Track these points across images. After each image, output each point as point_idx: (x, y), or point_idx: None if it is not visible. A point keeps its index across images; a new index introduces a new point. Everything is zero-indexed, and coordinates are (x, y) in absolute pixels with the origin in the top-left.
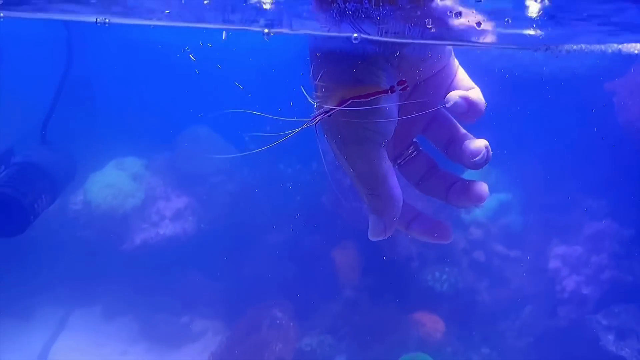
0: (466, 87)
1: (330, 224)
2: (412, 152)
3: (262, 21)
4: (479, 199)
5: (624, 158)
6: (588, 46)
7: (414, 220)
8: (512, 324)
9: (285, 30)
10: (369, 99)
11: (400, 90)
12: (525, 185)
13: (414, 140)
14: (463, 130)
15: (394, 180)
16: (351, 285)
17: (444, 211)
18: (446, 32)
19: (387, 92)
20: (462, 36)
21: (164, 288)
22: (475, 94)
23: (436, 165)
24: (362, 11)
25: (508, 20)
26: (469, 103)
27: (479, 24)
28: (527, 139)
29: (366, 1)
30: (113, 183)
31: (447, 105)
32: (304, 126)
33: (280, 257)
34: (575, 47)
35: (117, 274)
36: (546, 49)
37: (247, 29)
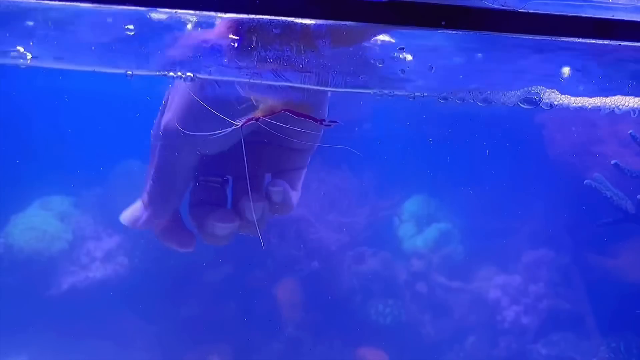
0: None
1: (271, 259)
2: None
3: (178, 68)
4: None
5: (557, 189)
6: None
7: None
8: (456, 355)
9: (204, 76)
10: (299, 117)
11: (326, 126)
12: (465, 214)
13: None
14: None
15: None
16: (294, 323)
17: (386, 244)
18: (370, 80)
19: (317, 121)
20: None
21: (95, 334)
22: (295, 198)
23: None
24: (283, 59)
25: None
26: (285, 201)
27: (402, 70)
28: (466, 170)
29: (287, 49)
30: (37, 225)
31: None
32: (232, 128)
33: (219, 296)
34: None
35: (43, 321)
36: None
37: (164, 74)
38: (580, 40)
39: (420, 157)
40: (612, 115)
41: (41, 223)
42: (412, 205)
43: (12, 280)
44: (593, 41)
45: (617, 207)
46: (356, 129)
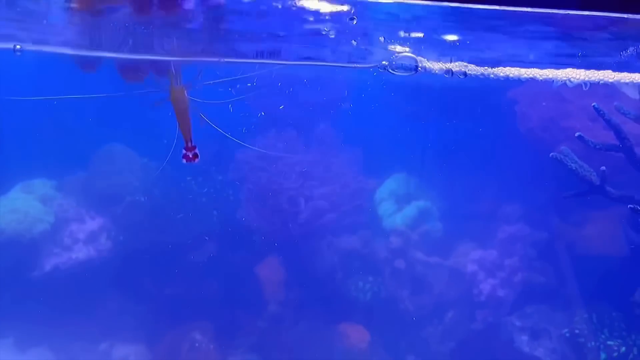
0: None
1: (253, 238)
2: None
3: None
4: None
5: (529, 164)
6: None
7: None
8: (435, 329)
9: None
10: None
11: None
12: (443, 192)
13: None
14: None
15: None
16: (276, 301)
17: (370, 223)
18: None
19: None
20: None
21: (80, 314)
22: None
23: None
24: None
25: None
26: None
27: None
28: (443, 148)
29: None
30: (18, 208)
31: None
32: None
33: (202, 276)
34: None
35: (28, 303)
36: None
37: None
38: (530, 10)
39: (399, 136)
40: (581, 90)
41: (23, 206)
42: (392, 183)
43: None
44: (542, 10)
45: (582, 179)
46: (337, 107)
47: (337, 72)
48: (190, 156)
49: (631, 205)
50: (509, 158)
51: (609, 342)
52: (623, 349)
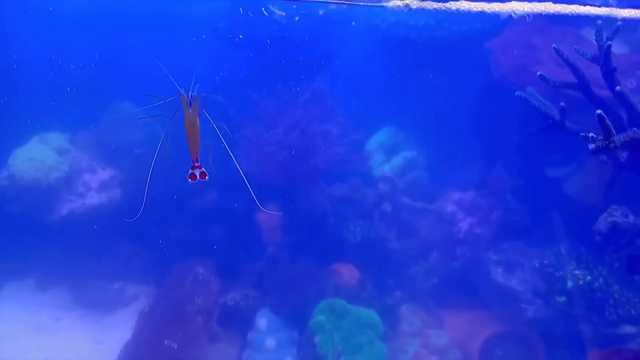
0: None
1: (253, 187)
2: None
3: None
4: None
5: (504, 109)
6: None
7: None
8: (420, 268)
9: None
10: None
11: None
12: (428, 143)
13: None
14: None
15: None
16: (274, 244)
17: (357, 171)
18: None
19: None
20: None
21: (95, 256)
22: None
23: None
24: None
25: None
26: None
27: None
28: (428, 101)
29: None
30: (35, 156)
31: None
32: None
33: (207, 221)
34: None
35: (47, 245)
36: None
37: None
38: None
39: (388, 91)
40: (551, 37)
41: (39, 155)
42: (382, 136)
43: (16, 209)
44: None
45: (544, 115)
46: (330, 63)
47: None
48: (197, 175)
49: (583, 134)
50: (487, 104)
51: (575, 272)
52: (588, 277)
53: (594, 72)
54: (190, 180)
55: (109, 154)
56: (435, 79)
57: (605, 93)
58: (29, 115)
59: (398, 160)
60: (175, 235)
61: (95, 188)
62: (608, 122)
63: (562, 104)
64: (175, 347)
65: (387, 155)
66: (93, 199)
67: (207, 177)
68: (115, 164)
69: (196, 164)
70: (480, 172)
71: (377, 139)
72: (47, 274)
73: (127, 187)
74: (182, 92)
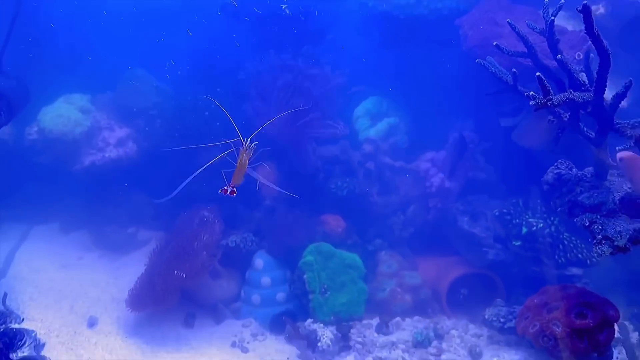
0: None
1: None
2: None
3: None
4: None
5: (473, 79)
6: None
7: None
8: (398, 219)
9: None
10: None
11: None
12: (409, 111)
13: None
14: None
15: None
16: (271, 197)
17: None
18: None
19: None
20: None
21: (112, 204)
22: None
23: None
24: None
25: None
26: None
27: None
28: (409, 72)
29: None
30: (63, 113)
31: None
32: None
33: (211, 177)
34: None
35: (70, 193)
36: None
37: None
38: None
39: (374, 62)
40: (513, 15)
41: (66, 112)
42: (368, 103)
43: (45, 160)
44: None
45: (499, 79)
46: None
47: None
48: (228, 192)
49: (526, 93)
50: (458, 74)
51: (530, 220)
52: (541, 224)
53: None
54: (219, 191)
55: (125, 115)
56: (415, 52)
57: (552, 62)
58: (55, 77)
59: (382, 125)
60: (184, 188)
61: (114, 144)
62: (546, 82)
63: (514, 69)
64: (184, 276)
65: (373, 121)
66: (112, 153)
67: (234, 195)
68: (131, 123)
69: (233, 188)
70: (452, 134)
71: (364, 106)
72: (70, 218)
73: (141, 144)
74: (243, 140)
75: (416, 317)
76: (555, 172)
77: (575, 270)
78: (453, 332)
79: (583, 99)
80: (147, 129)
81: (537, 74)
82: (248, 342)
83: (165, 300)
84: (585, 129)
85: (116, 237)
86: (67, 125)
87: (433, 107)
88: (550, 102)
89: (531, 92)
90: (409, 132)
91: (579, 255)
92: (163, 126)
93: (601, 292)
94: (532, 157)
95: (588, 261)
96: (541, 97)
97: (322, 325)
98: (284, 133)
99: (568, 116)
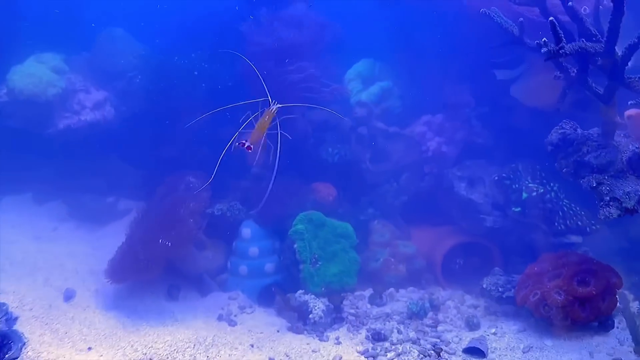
0: None
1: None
2: None
3: None
4: None
5: (470, 38)
6: None
7: None
8: (391, 187)
9: None
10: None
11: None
12: (402, 75)
13: None
14: None
15: None
16: (258, 165)
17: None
18: None
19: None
20: None
21: (89, 172)
22: None
23: None
24: None
25: None
26: None
27: None
28: (403, 33)
29: None
30: (34, 72)
31: None
32: None
33: (194, 142)
34: None
35: (43, 159)
36: None
37: None
38: None
39: (367, 23)
40: None
41: (37, 72)
42: (360, 66)
43: (15, 123)
44: None
45: (505, 30)
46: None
47: None
48: (245, 147)
49: (537, 41)
50: (454, 35)
51: (530, 185)
52: (541, 189)
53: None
54: (237, 144)
55: (102, 77)
56: (411, 10)
57: (560, 10)
58: (26, 35)
59: (375, 89)
60: (166, 154)
61: (90, 107)
62: (559, 28)
63: (521, 19)
64: (169, 244)
65: (365, 85)
66: (88, 116)
67: (250, 150)
68: (108, 86)
69: (250, 146)
70: (448, 98)
71: (356, 69)
72: (44, 188)
73: (120, 108)
74: (271, 101)
75: (410, 288)
76: (559, 132)
77: (574, 238)
78: (449, 303)
79: (595, 49)
80: (125, 92)
81: (550, 18)
82: (235, 315)
83: (149, 270)
84: (593, 84)
85: (94, 207)
86: (39, 85)
87: (427, 70)
88: (563, 50)
89: (544, 39)
90: (402, 96)
91: (579, 223)
92: (144, 88)
93: (601, 260)
94: (530, 118)
95: (588, 228)
96: (553, 45)
97: (313, 296)
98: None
99: (576, 71)
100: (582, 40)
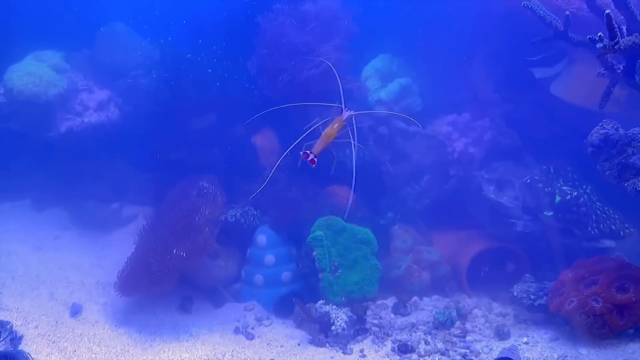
0: None
1: (250, 111)
2: None
3: None
4: None
5: (495, 32)
6: None
7: None
8: (412, 190)
9: None
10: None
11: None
12: (423, 71)
13: None
14: None
15: None
16: (271, 166)
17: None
18: None
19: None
20: None
21: (93, 176)
22: None
23: None
24: None
25: None
26: None
27: None
28: (423, 31)
29: None
30: (33, 72)
31: None
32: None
33: (204, 144)
34: None
35: (44, 163)
36: None
37: None
38: None
39: (385, 18)
40: None
41: (37, 70)
42: (378, 62)
43: (13, 126)
44: None
45: (548, 24)
46: None
47: None
48: (309, 159)
49: (590, 36)
50: (478, 29)
51: (563, 187)
52: (575, 192)
53: None
54: (301, 154)
55: (105, 75)
56: (433, 6)
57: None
58: (24, 32)
59: (394, 86)
60: (174, 156)
61: (94, 107)
62: (615, 22)
63: (567, 12)
64: (184, 255)
65: (383, 82)
66: (92, 118)
67: (313, 165)
68: (111, 85)
69: (314, 156)
70: (474, 97)
71: (374, 65)
72: (44, 193)
73: (125, 108)
74: (346, 109)
75: (435, 296)
76: (601, 132)
77: (607, 243)
78: (476, 311)
79: None
80: (131, 90)
81: (607, 11)
82: (253, 328)
83: (163, 282)
84: None
85: (98, 214)
86: (39, 85)
87: (449, 66)
88: (618, 45)
89: (599, 34)
90: (422, 94)
91: (612, 227)
92: (153, 86)
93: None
94: (563, 117)
95: (621, 232)
96: (608, 40)
97: (335, 307)
98: (287, 90)
99: (622, 68)
100: (637, 35)
